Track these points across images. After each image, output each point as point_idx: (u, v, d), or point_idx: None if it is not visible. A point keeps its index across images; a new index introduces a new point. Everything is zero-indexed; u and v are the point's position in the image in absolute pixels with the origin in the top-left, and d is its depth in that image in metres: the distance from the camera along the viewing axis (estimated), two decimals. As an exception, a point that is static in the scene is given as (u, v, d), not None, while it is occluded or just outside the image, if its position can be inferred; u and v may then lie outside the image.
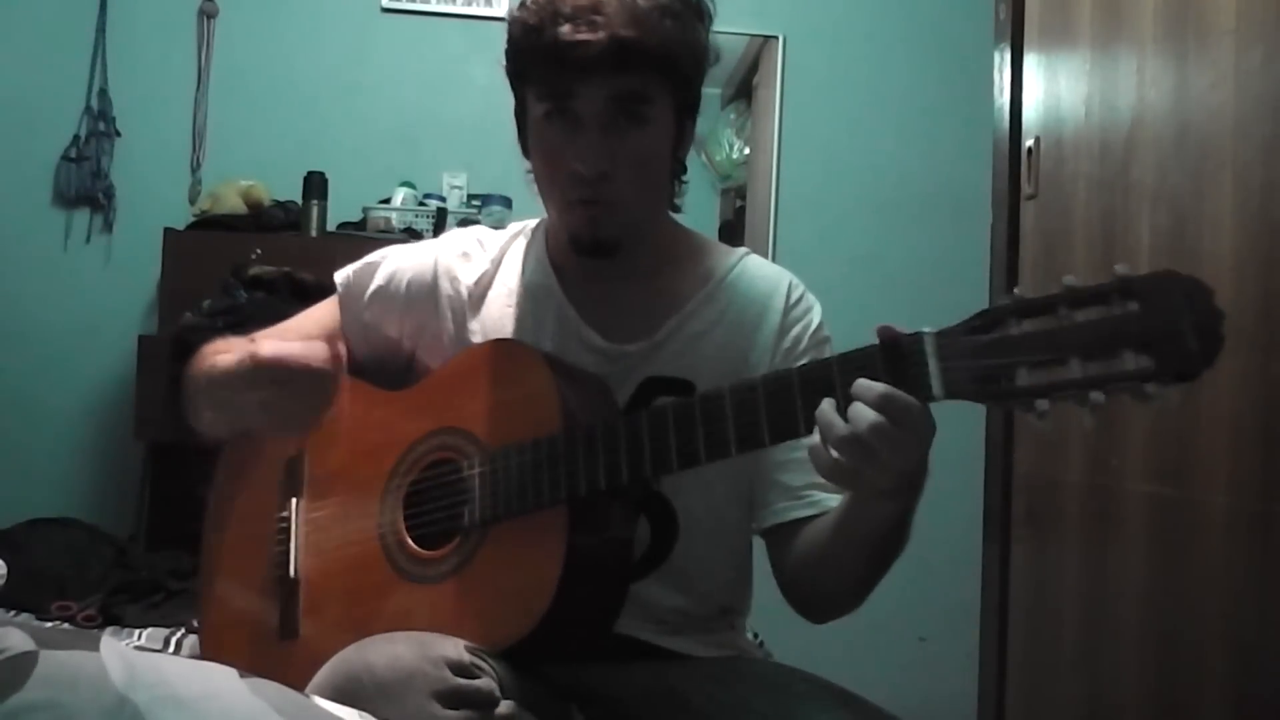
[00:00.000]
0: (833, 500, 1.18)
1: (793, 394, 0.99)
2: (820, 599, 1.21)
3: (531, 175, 1.27)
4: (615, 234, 1.21)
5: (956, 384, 0.91)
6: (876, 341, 0.95)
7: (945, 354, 0.91)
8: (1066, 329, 0.85)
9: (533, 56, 1.17)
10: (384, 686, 0.97)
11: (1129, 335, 0.82)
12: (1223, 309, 0.81)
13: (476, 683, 0.98)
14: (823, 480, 1.17)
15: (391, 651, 1.00)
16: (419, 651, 0.99)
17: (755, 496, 1.25)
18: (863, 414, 0.92)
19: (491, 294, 1.30)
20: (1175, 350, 0.81)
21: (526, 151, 1.28)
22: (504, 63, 1.24)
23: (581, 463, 1.08)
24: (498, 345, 1.24)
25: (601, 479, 1.08)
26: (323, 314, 1.40)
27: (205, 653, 1.37)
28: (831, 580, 1.17)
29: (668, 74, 1.18)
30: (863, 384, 0.93)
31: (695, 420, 1.04)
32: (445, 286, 1.31)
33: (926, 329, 0.93)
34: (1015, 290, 0.89)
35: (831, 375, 0.97)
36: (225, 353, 1.29)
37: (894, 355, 0.94)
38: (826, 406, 0.95)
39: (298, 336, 1.39)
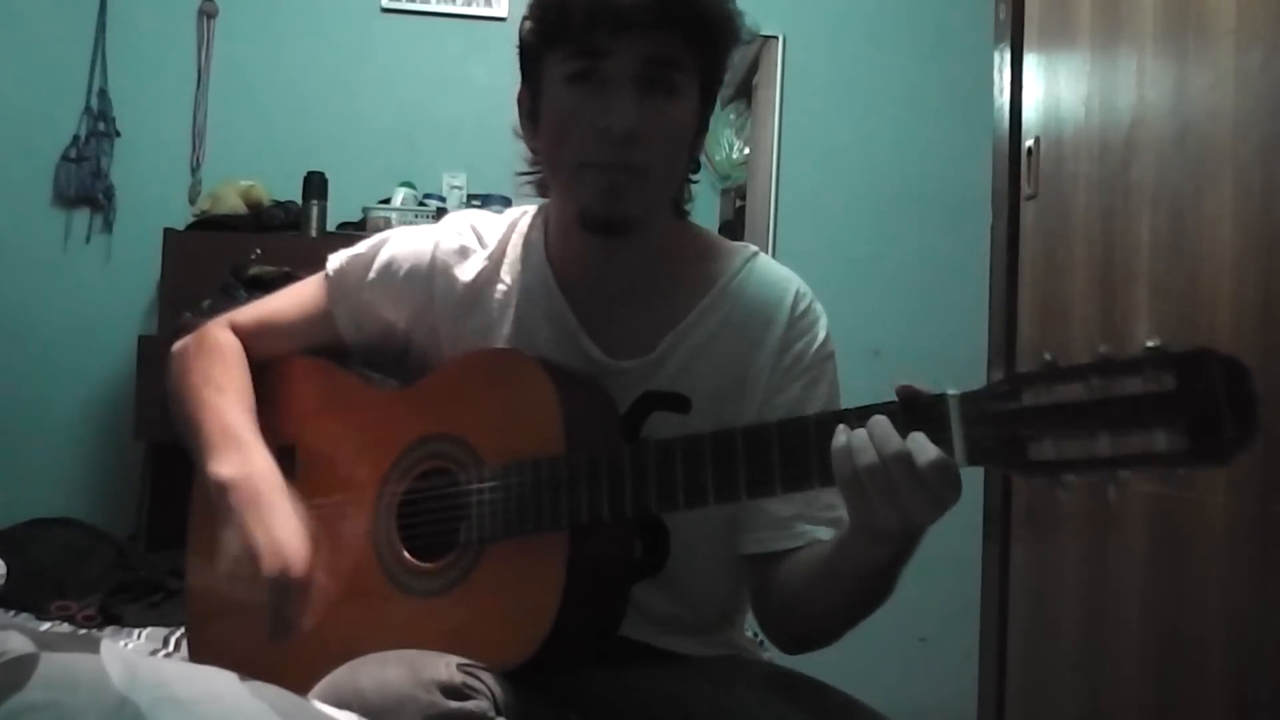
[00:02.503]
0: (819, 532, 1.16)
1: (809, 444, 0.96)
2: (793, 631, 1.18)
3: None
4: (631, 209, 1.15)
5: (980, 451, 0.88)
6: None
7: (970, 419, 0.88)
8: (1098, 403, 0.81)
9: (568, 9, 1.11)
10: (374, 713, 0.95)
11: (1163, 414, 0.79)
12: (1260, 393, 0.77)
13: (469, 705, 0.96)
14: (811, 513, 1.16)
15: (381, 676, 0.98)
16: (409, 675, 0.97)
17: (740, 520, 1.21)
18: (906, 463, 0.89)
19: (488, 292, 1.26)
20: (1210, 434, 0.77)
21: (531, 131, 1.22)
22: (526, 28, 1.18)
23: (585, 492, 1.06)
24: (498, 354, 1.21)
25: (605, 511, 1.05)
26: (305, 297, 1.36)
27: (193, 653, 1.35)
28: (808, 614, 1.15)
29: (702, 40, 1.15)
30: (920, 442, 0.89)
31: (705, 462, 1.01)
32: (441, 281, 1.27)
33: (951, 390, 0.90)
34: (1046, 356, 0.85)
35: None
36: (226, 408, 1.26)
37: (915, 416, 0.91)
38: (879, 422, 0.92)
39: (281, 320, 1.36)
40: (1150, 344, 0.80)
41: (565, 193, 1.20)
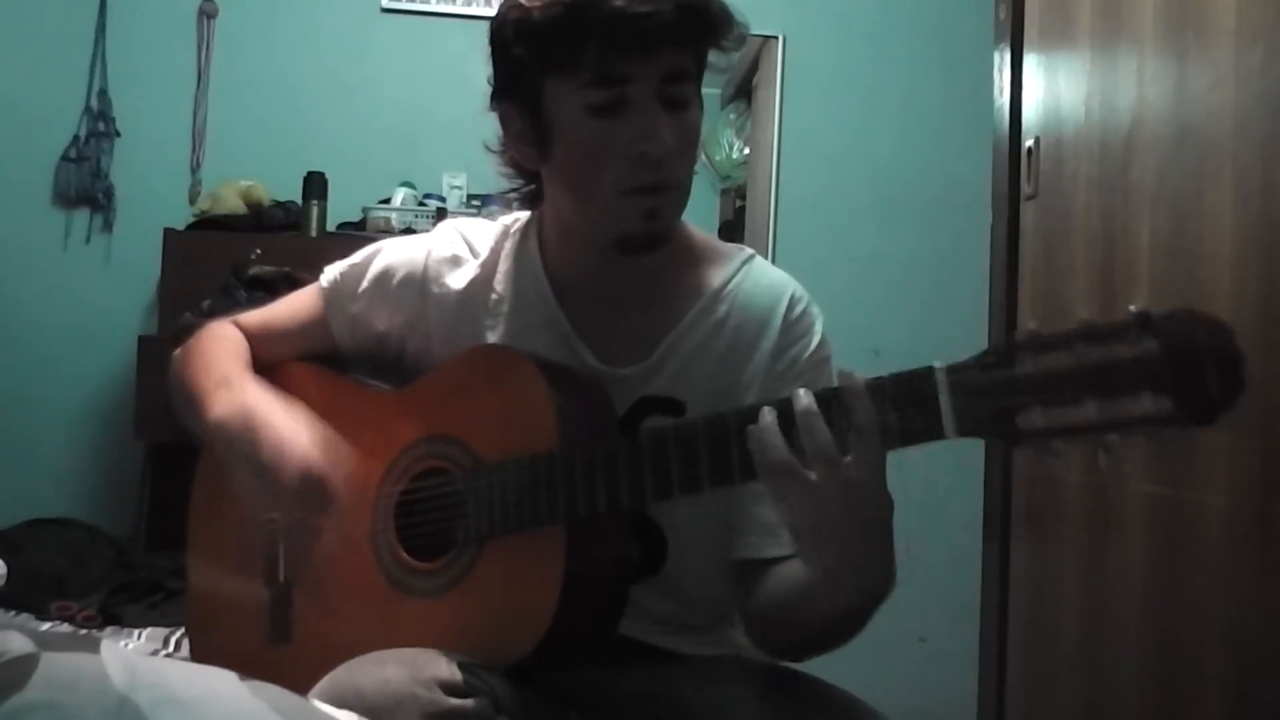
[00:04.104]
0: None
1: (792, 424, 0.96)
2: (776, 640, 1.16)
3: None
4: (669, 224, 1.16)
5: (970, 422, 0.88)
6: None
7: (958, 390, 0.88)
8: (1084, 368, 0.82)
9: (580, 38, 1.08)
10: (374, 712, 0.95)
11: (1148, 376, 0.79)
12: (1244, 351, 0.78)
13: (468, 703, 0.96)
14: None
15: (380, 675, 0.99)
16: (409, 674, 0.98)
17: (731, 524, 1.20)
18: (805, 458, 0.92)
19: (481, 300, 1.26)
20: (1196, 393, 0.78)
21: (535, 155, 1.20)
22: (514, 51, 1.16)
23: (580, 485, 1.06)
24: (489, 351, 1.21)
25: (601, 502, 1.05)
26: (303, 307, 1.37)
27: (194, 653, 1.36)
28: (789, 624, 1.13)
29: (715, 49, 1.15)
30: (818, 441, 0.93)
31: (698, 448, 1.01)
32: (434, 289, 1.27)
33: (937, 364, 0.90)
34: (1030, 325, 0.86)
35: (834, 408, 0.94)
36: (228, 378, 1.26)
37: (904, 390, 0.91)
38: (768, 422, 0.95)
39: (280, 327, 1.37)
40: (1133, 308, 0.81)
41: (597, 218, 1.16)
